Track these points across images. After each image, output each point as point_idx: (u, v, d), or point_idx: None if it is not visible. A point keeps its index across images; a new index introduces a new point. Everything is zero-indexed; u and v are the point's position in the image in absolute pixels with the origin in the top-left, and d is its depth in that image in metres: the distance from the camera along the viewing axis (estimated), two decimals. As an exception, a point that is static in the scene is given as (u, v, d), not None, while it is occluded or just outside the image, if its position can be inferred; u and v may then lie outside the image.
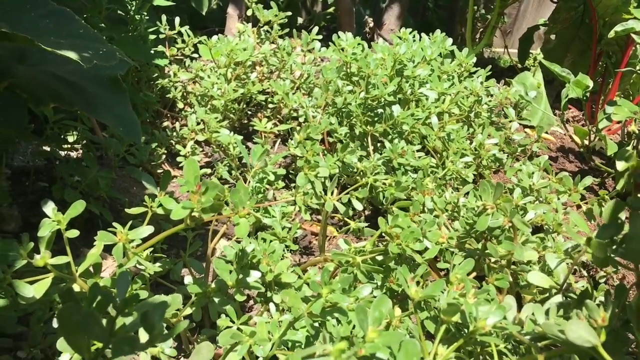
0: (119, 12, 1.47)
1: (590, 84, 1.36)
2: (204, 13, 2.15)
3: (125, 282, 0.47)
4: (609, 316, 0.49)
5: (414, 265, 0.76)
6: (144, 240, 0.70)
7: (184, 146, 1.42)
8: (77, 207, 0.61)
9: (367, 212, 1.34)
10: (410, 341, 0.44)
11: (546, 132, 1.88)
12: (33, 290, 0.58)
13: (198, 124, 1.40)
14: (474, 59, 1.53)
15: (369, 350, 0.45)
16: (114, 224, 0.65)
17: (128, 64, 1.02)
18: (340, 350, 0.36)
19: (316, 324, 0.70)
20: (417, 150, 1.25)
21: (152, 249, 0.78)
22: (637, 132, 1.35)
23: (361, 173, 1.17)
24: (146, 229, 0.64)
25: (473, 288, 0.64)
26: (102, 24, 1.41)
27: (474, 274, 0.80)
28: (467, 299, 0.61)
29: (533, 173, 1.04)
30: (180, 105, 1.60)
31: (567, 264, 0.72)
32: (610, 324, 0.48)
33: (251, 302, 1.03)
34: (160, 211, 0.72)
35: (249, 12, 1.75)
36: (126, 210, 0.69)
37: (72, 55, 0.82)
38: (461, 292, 0.65)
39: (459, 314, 0.60)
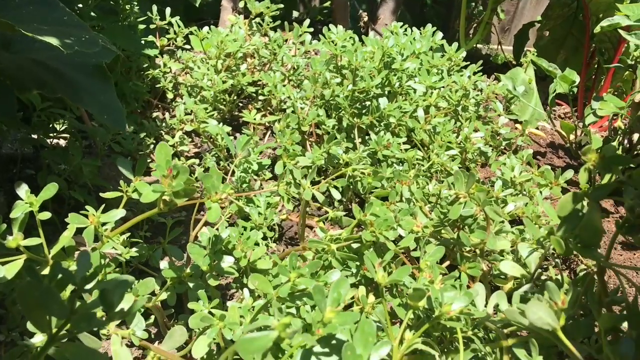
0: (110, 1, 1.48)
1: (577, 79, 1.36)
2: (197, 5, 2.16)
3: (86, 261, 0.47)
4: (569, 301, 0.49)
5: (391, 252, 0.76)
6: (119, 224, 0.70)
7: (173, 136, 1.43)
8: (50, 190, 0.61)
9: (354, 202, 1.35)
10: (366, 321, 0.45)
11: (537, 128, 1.89)
12: (5, 271, 0.59)
13: (188, 114, 1.41)
14: (464, 54, 1.54)
15: (327, 330, 0.46)
16: (87, 206, 0.65)
17: (113, 52, 1.02)
18: (285, 325, 0.36)
19: (292, 309, 0.70)
20: (404, 143, 1.25)
21: (129, 234, 0.79)
22: (622, 128, 1.36)
23: (346, 164, 1.18)
24: (118, 212, 0.65)
25: (441, 275, 0.65)
26: (93, 13, 1.41)
27: (448, 262, 0.81)
28: (433, 285, 0.62)
29: (514, 166, 1.05)
30: (170, 95, 1.61)
31: (539, 253, 0.73)
32: (571, 309, 0.49)
33: (233, 290, 1.03)
34: (135, 196, 0.72)
35: (242, 4, 1.75)
36: (101, 194, 0.70)
37: (53, 41, 0.82)
38: (431, 279, 0.66)
39: (426, 299, 0.60)
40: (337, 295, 0.47)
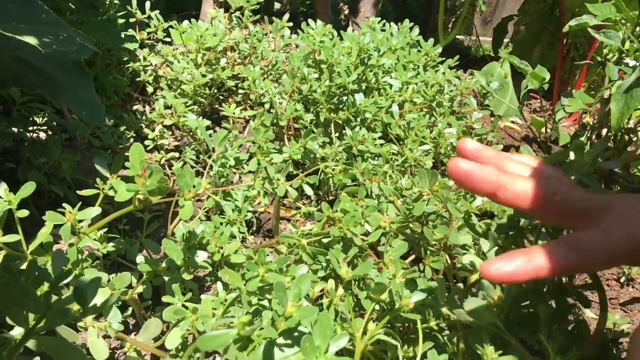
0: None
1: (547, 76, 1.40)
2: (178, -3, 2.16)
3: (60, 260, 0.50)
4: (509, 294, 0.53)
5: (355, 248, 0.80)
6: (96, 220, 0.73)
7: (153, 130, 1.45)
8: (28, 188, 0.64)
9: (328, 197, 1.38)
10: (324, 315, 0.48)
11: (512, 122, 1.93)
12: (-16, 266, 0.61)
13: (167, 108, 1.43)
14: (440, 50, 1.57)
15: (288, 324, 0.49)
16: (64, 204, 0.68)
17: (91, 50, 1.04)
18: (244, 323, 0.40)
19: (264, 302, 0.74)
20: (379, 138, 1.28)
21: (106, 229, 0.81)
22: (591, 123, 1.40)
23: (323, 159, 1.21)
24: (94, 210, 0.67)
25: (405, 269, 0.68)
26: (72, 5, 1.42)
27: (413, 256, 0.85)
28: (395, 279, 0.65)
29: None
30: (150, 89, 1.62)
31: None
32: (510, 301, 0.53)
33: (208, 282, 1.07)
34: (112, 193, 0.75)
35: (223, -3, 1.77)
36: (78, 192, 0.72)
37: (31, 40, 0.84)
38: (394, 274, 0.69)
39: (387, 293, 0.64)
40: (298, 291, 0.50)
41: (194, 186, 0.71)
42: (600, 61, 1.46)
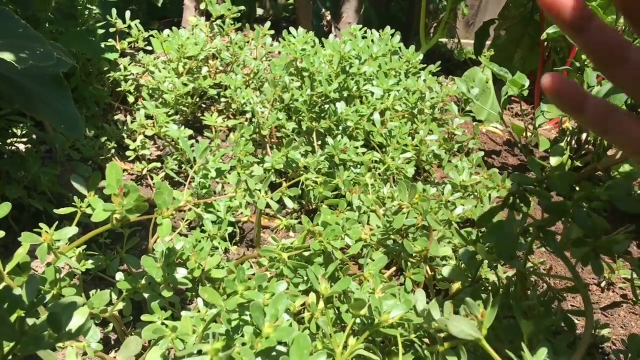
0: (69, 5, 1.47)
1: (526, 82, 1.41)
2: (159, 4, 2.15)
3: (35, 284, 0.50)
4: (492, 308, 0.53)
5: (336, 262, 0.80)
6: (75, 237, 0.72)
7: (134, 140, 1.44)
8: (3, 209, 0.63)
9: (312, 206, 1.38)
10: (301, 335, 0.48)
11: (494, 127, 1.94)
12: (-41, 289, 0.60)
13: (149, 117, 1.42)
14: (421, 56, 1.58)
15: (265, 345, 0.49)
16: (40, 224, 0.67)
17: (69, 63, 1.03)
18: (216, 350, 0.40)
19: (246, 317, 0.73)
20: (362, 146, 1.29)
21: (85, 246, 0.80)
22: (571, 128, 1.42)
23: (305, 168, 1.21)
24: (71, 230, 0.67)
25: (384, 282, 0.68)
26: (52, 15, 1.41)
27: (394, 268, 0.85)
28: (374, 294, 0.66)
29: (464, 169, 1.09)
30: (131, 98, 1.61)
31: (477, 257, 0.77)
32: (493, 316, 0.53)
33: (190, 297, 1.06)
34: (89, 211, 0.74)
35: (203, 6, 1.76)
36: (55, 210, 0.71)
37: (7, 56, 0.83)
38: (373, 288, 0.69)
39: (367, 308, 0.64)
40: (275, 310, 0.50)
41: (174, 198, 0.71)
42: (579, 67, 1.47)
